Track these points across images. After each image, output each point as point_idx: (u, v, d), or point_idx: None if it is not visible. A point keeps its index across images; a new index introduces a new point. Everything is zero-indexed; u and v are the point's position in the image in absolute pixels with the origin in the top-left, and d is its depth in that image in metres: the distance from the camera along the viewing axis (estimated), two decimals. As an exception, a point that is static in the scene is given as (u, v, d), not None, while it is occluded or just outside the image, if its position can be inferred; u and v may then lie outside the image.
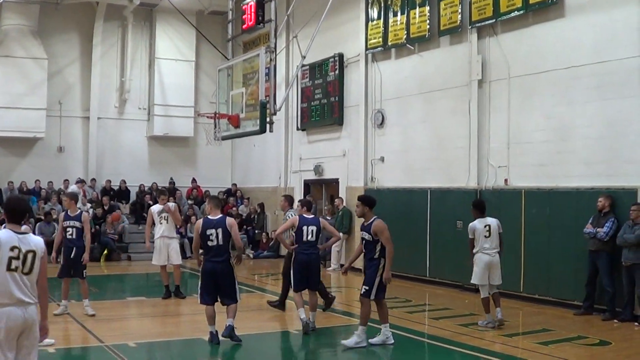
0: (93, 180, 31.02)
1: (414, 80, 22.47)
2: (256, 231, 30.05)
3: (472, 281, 15.19)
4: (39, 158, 30.83)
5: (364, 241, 13.11)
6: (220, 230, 12.95)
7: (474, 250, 14.84)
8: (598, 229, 15.69)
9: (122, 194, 31.45)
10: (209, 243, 12.93)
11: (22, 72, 29.42)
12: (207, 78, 32.82)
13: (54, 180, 30.16)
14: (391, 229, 20.77)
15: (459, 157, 20.47)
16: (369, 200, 13.36)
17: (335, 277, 24.00)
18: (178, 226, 19.61)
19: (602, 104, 16.52)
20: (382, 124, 23.77)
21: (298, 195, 28.33)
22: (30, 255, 7.44)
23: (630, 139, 16.00)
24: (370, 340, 12.99)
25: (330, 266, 25.30)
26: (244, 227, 30.41)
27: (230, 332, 13.04)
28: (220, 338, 12.86)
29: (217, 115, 23.10)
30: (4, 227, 7.60)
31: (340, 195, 25.91)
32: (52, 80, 30.55)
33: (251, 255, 29.14)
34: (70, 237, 15.36)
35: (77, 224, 15.37)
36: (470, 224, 15.02)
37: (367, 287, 12.79)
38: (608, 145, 16.41)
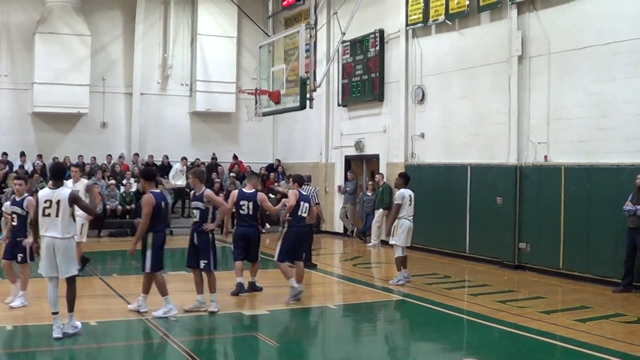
0: (136, 155, 31.30)
1: (454, 57, 22.41)
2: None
3: (395, 242, 17.11)
4: (82, 133, 31.14)
5: None
6: (251, 203, 15.11)
7: (399, 216, 17.01)
8: (637, 207, 15.59)
9: (164, 169, 31.65)
10: (241, 211, 15.14)
11: (66, 49, 29.64)
12: (248, 54, 32.90)
13: (97, 155, 30.45)
14: (431, 205, 20.90)
15: (499, 133, 20.41)
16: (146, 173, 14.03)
17: (375, 252, 24.10)
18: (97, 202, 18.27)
19: (643, 80, 16.43)
20: (422, 100, 23.75)
21: (339, 170, 28.47)
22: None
23: (671, 115, 15.88)
24: (153, 313, 13.13)
25: (370, 242, 25.39)
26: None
27: (253, 286, 15.58)
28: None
29: (258, 91, 23.23)
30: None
31: (380, 171, 25.93)
32: (95, 56, 30.79)
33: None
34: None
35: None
36: (400, 192, 17.19)
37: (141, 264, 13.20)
38: (648, 122, 16.32)
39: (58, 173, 11.76)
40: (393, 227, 17.09)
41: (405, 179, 17.39)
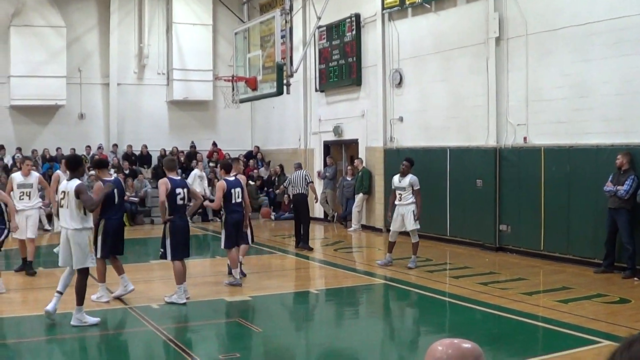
0: (115, 145, 31.19)
1: (431, 39, 22.36)
2: (277, 193, 30.14)
3: (417, 227, 17.07)
4: (60, 125, 30.99)
5: None
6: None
7: (414, 201, 17.02)
8: (618, 187, 15.57)
9: (143, 158, 31.61)
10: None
11: (41, 41, 29.50)
12: (224, 41, 32.72)
13: (76, 147, 30.13)
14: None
15: (478, 115, 20.40)
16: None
17: (356, 237, 24.12)
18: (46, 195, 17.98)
19: (620, 60, 16.35)
20: (400, 83, 23.72)
21: (319, 156, 28.45)
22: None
23: (649, 95, 15.90)
24: (92, 297, 13.21)
25: (351, 227, 25.42)
26: (265, 188, 30.59)
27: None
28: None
29: (234, 78, 23.18)
30: None
31: (360, 156, 25.93)
32: (71, 48, 30.61)
33: (272, 217, 29.27)
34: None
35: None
36: (414, 177, 17.08)
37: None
38: (626, 102, 16.25)
39: (73, 164, 11.95)
40: (413, 212, 16.97)
41: (412, 164, 17.32)
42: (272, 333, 11.83)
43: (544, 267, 17.24)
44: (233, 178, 15.42)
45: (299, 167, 21.58)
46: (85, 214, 11.56)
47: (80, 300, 11.50)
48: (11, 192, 16.13)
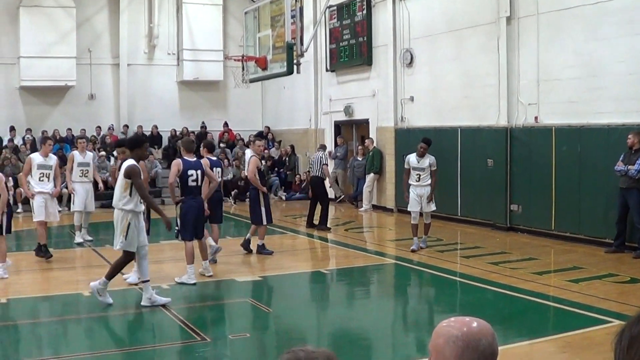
0: (125, 126, 31.18)
1: (442, 19, 22.24)
2: (287, 173, 30.14)
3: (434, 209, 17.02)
4: (70, 106, 30.94)
5: None
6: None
7: (431, 182, 16.75)
8: (629, 167, 15.50)
9: (154, 139, 31.55)
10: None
11: (51, 21, 29.41)
12: (234, 21, 32.56)
13: (86, 127, 30.19)
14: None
15: (489, 95, 20.29)
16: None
17: (367, 217, 24.11)
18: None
19: (633, 40, 16.21)
20: (411, 63, 23.63)
21: (329, 136, 28.39)
22: None
23: (662, 74, 15.79)
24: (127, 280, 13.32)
25: (361, 207, 25.40)
26: (276, 169, 30.54)
27: (260, 249, 16.42)
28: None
29: (244, 58, 23.13)
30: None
31: (370, 136, 25.88)
32: (80, 28, 30.50)
33: (283, 197, 29.27)
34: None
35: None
36: (433, 158, 16.84)
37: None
38: (638, 81, 16.13)
39: (131, 144, 12.05)
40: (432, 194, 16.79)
41: (430, 144, 17.01)
42: (282, 313, 11.86)
43: (554, 247, 17.20)
44: (215, 158, 15.94)
45: (321, 148, 21.91)
46: (130, 195, 11.33)
47: (110, 275, 11.49)
48: (29, 174, 16.03)
